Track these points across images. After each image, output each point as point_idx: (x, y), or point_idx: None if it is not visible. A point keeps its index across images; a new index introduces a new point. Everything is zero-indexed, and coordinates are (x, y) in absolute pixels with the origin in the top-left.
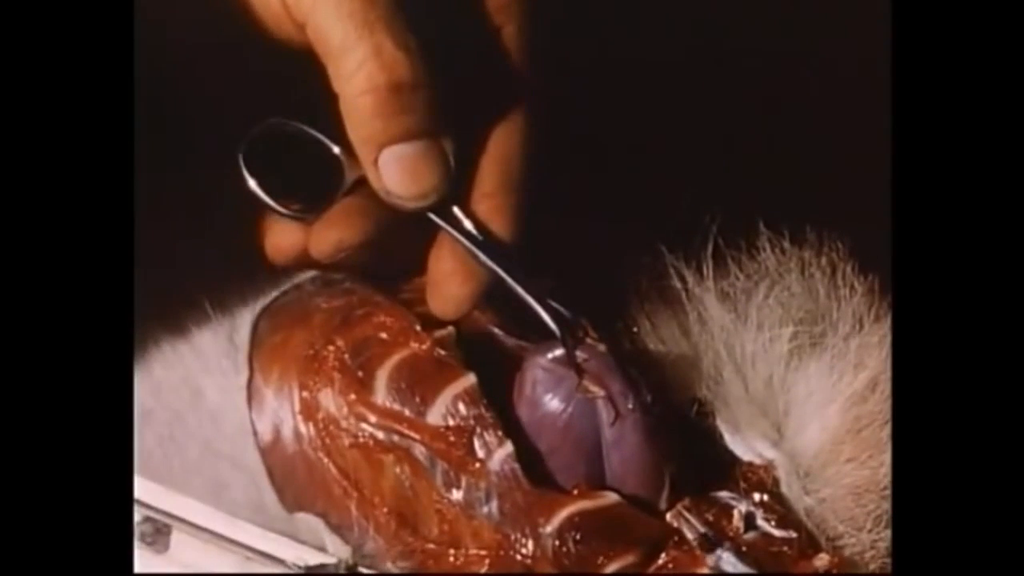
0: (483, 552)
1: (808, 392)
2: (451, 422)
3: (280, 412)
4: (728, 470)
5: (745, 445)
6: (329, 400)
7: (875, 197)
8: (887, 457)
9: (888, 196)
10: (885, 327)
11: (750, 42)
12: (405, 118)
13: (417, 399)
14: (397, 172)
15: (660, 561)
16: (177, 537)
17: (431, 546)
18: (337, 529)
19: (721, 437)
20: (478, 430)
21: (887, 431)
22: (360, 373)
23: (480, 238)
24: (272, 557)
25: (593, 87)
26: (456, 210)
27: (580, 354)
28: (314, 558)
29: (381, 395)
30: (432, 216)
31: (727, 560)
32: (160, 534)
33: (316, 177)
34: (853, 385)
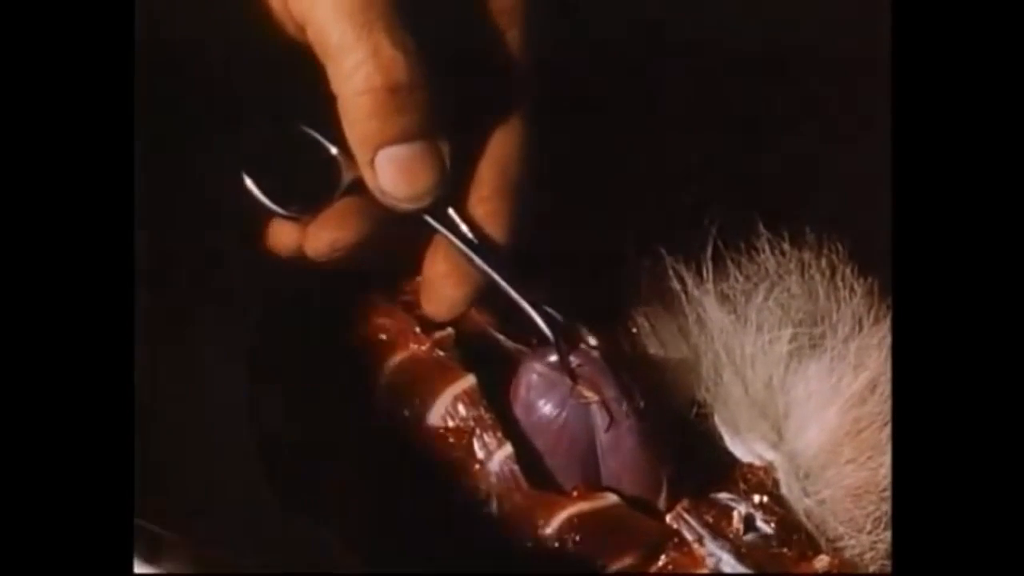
0: None
1: (808, 394)
2: (450, 423)
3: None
4: (728, 472)
5: (745, 447)
6: None
7: (875, 199)
8: (887, 458)
9: (888, 197)
10: (884, 329)
11: (750, 42)
12: (402, 119)
13: (416, 400)
14: (393, 173)
15: (660, 563)
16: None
17: None
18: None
19: (721, 439)
20: (477, 431)
21: (887, 432)
22: None
23: (475, 242)
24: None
25: (593, 87)
26: (452, 212)
27: (574, 359)
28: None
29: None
30: (428, 218)
31: (727, 561)
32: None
33: (314, 177)
34: (853, 387)
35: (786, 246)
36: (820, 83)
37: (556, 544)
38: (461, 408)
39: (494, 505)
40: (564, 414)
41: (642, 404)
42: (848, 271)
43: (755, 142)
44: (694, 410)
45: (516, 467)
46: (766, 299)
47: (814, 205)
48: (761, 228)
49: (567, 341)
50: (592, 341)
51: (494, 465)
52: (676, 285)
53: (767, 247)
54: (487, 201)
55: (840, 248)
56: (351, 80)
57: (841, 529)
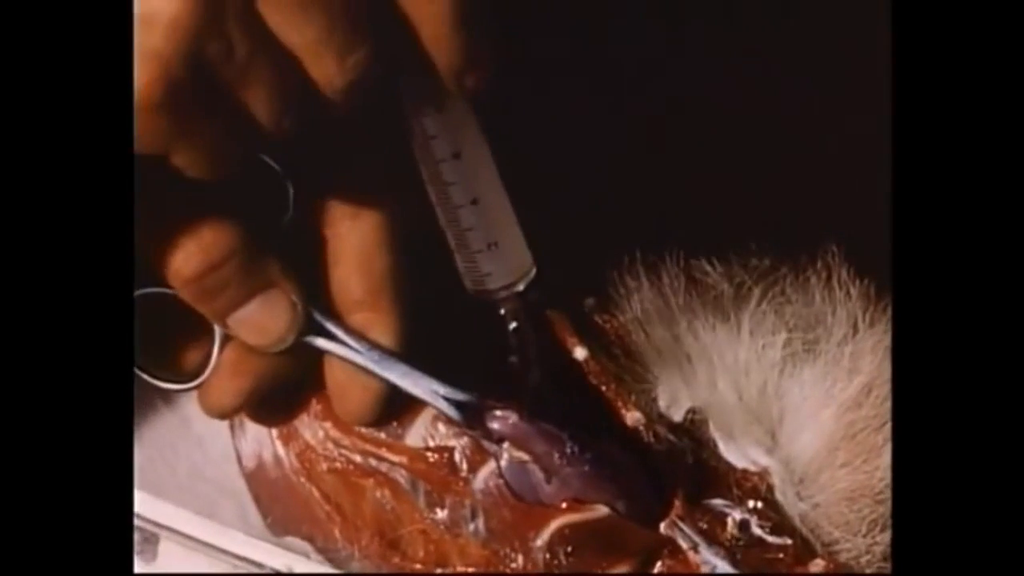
0: (472, 570)
1: (802, 398)
2: (430, 443)
3: (261, 438)
4: (722, 478)
5: (739, 452)
6: (306, 426)
7: (872, 199)
8: (881, 462)
9: (886, 198)
10: (880, 332)
11: (745, 41)
12: (228, 293)
13: (394, 423)
14: (246, 331)
15: (655, 570)
16: (164, 546)
17: (418, 566)
18: (324, 551)
19: (715, 445)
20: (459, 448)
21: (882, 436)
22: None
23: (361, 349)
24: (260, 564)
25: (587, 90)
26: (331, 327)
27: (495, 426)
28: (302, 565)
29: None
30: (308, 342)
31: (722, 568)
32: (148, 543)
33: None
34: (847, 391)
35: (781, 248)
36: (818, 83)
37: (547, 555)
38: (441, 427)
39: (481, 521)
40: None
41: (575, 449)
42: (844, 273)
43: (750, 144)
44: (688, 417)
45: (501, 481)
46: (760, 304)
47: (810, 207)
48: (755, 231)
49: (478, 416)
50: (502, 406)
51: (478, 482)
52: (668, 291)
53: (762, 250)
54: (361, 305)
55: (836, 250)
56: (167, 275)
57: (836, 533)
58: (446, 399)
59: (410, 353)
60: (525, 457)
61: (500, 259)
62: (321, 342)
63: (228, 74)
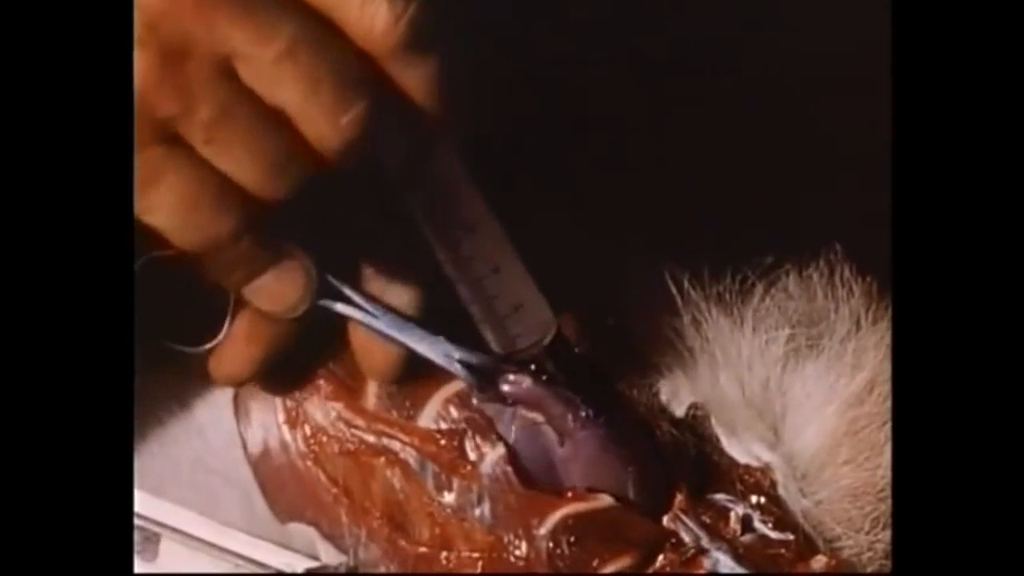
0: (476, 554)
1: (805, 394)
2: (442, 426)
3: (266, 423)
4: (725, 473)
5: (742, 448)
6: (316, 408)
7: (874, 198)
8: (884, 459)
9: (888, 197)
10: (882, 329)
11: (747, 41)
12: (243, 267)
13: (407, 403)
14: (262, 300)
15: (657, 564)
16: (166, 546)
17: (423, 549)
18: (329, 537)
19: (718, 440)
20: (469, 433)
21: (884, 433)
22: (348, 380)
23: (377, 313)
24: (262, 564)
25: (586, 89)
26: (348, 291)
27: (507, 388)
28: (303, 564)
29: (371, 401)
30: (326, 306)
31: (724, 563)
32: (149, 543)
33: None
34: (850, 387)
35: (784, 245)
36: (819, 83)
37: (550, 544)
38: (452, 410)
39: (487, 507)
40: (513, 439)
41: (590, 412)
42: (847, 271)
43: (754, 142)
44: (691, 412)
45: (509, 468)
46: (763, 300)
47: (812, 205)
48: (758, 228)
49: (490, 379)
50: (516, 370)
51: (486, 467)
52: (672, 286)
53: (764, 247)
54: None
55: (839, 247)
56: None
57: (838, 529)
58: (460, 362)
59: (425, 317)
60: (539, 418)
61: (526, 319)
62: (339, 307)
63: (193, 134)
